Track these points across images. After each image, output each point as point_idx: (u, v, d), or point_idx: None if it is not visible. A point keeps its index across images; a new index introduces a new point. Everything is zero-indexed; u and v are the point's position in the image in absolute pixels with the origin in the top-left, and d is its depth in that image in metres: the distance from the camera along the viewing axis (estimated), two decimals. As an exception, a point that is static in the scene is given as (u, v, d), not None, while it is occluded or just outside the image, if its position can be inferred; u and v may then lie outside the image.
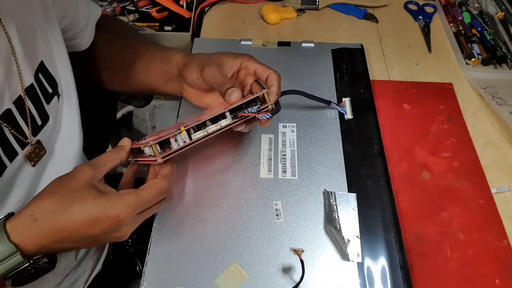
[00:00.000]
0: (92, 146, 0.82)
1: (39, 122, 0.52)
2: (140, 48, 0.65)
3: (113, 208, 0.42)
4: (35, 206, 0.43)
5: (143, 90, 0.67)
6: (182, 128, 0.46)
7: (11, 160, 0.48)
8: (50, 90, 0.53)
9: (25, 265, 0.42)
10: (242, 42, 0.79)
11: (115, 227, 0.43)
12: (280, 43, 0.79)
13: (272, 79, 0.55)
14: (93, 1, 0.68)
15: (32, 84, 0.50)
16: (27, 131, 0.49)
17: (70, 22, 0.59)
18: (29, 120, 0.49)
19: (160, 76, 0.62)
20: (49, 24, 0.53)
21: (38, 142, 0.52)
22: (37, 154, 0.52)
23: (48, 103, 0.53)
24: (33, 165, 0.52)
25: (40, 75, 0.52)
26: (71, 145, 0.59)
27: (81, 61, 0.67)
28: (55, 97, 0.54)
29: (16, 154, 0.48)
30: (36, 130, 0.51)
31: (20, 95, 0.48)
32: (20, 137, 0.49)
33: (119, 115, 1.19)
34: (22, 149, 0.49)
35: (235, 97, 0.51)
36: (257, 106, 0.52)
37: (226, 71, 0.56)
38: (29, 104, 0.49)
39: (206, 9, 0.91)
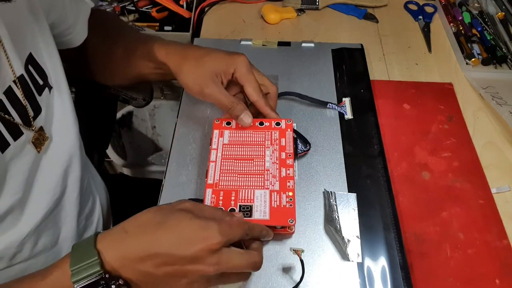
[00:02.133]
0: (92, 146, 0.82)
1: (31, 114, 0.51)
2: (133, 43, 0.65)
3: (209, 230, 0.42)
4: (129, 220, 0.44)
5: (142, 82, 0.70)
6: None
7: (2, 151, 0.47)
8: (41, 82, 0.53)
9: (98, 277, 0.40)
10: (242, 42, 0.79)
11: (205, 253, 0.41)
12: (280, 43, 0.79)
13: (264, 110, 0.59)
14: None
15: (22, 75, 0.50)
16: (19, 121, 0.49)
17: (58, 16, 0.59)
18: (26, 106, 0.49)
19: (155, 70, 0.64)
20: (35, 17, 0.53)
21: (41, 128, 0.52)
22: (40, 141, 0.52)
23: (39, 94, 0.53)
24: (39, 151, 0.52)
25: (30, 67, 0.51)
26: (66, 137, 0.58)
27: (77, 58, 0.67)
28: (46, 89, 0.54)
29: (8, 144, 0.48)
30: (28, 121, 0.51)
31: (10, 86, 0.48)
32: (15, 125, 0.48)
33: (119, 115, 1.19)
34: (15, 140, 0.48)
35: (249, 122, 0.57)
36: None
37: (219, 78, 0.58)
38: (20, 95, 0.49)
39: (206, 9, 0.91)
